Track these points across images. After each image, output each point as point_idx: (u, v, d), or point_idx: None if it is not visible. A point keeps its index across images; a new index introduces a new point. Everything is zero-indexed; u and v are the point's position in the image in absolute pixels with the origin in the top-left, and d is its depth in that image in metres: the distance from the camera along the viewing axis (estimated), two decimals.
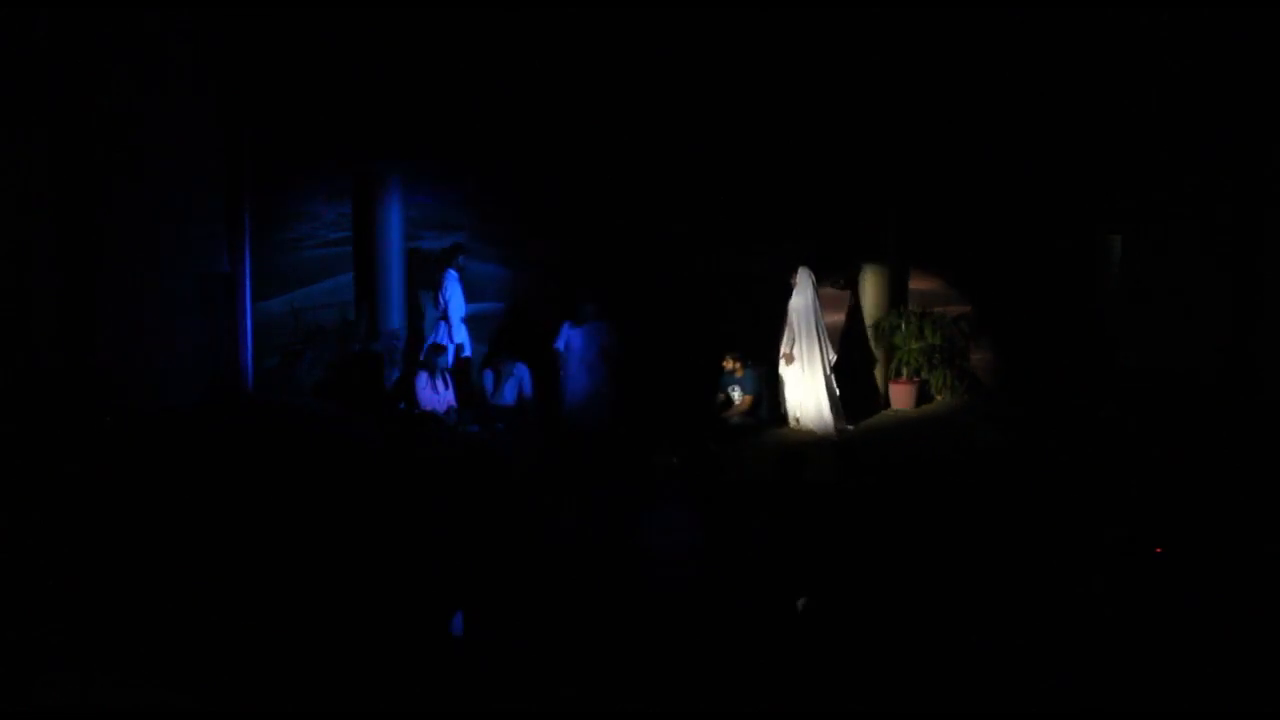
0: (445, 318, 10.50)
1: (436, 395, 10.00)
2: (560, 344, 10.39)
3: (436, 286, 10.57)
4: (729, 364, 10.38)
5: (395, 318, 10.68)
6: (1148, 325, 10.15)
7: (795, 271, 10.45)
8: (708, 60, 10.42)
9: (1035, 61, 9.99)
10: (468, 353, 10.65)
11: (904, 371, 11.14)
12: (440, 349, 10.23)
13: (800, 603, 5.51)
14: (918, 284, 11.56)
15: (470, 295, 10.78)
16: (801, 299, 10.39)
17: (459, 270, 10.50)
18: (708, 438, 9.27)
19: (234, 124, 9.42)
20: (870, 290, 11.32)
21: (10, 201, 7.72)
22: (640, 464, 7.58)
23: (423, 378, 10.02)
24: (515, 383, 10.18)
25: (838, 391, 10.38)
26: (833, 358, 10.42)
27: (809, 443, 9.62)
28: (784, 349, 10.38)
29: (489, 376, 10.29)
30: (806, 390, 10.32)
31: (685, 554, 5.74)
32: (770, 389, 10.58)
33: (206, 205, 9.57)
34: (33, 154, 7.90)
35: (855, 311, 11.38)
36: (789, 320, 10.42)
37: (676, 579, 5.62)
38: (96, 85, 8.15)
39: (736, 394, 10.38)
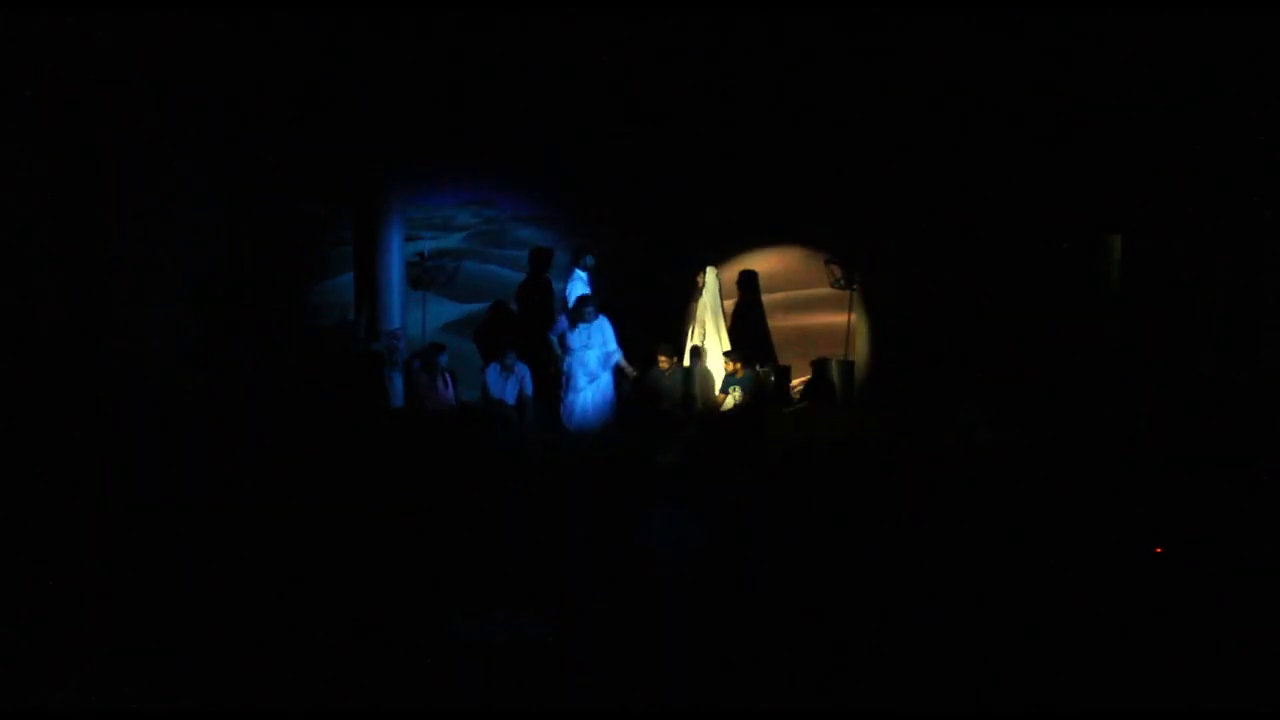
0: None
1: (437, 395, 9.98)
2: (554, 334, 10.41)
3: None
4: (729, 366, 10.43)
5: (395, 318, 10.68)
6: (1148, 325, 10.13)
7: (702, 271, 10.85)
8: (706, 61, 10.42)
9: (1034, 60, 9.99)
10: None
11: None
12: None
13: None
14: None
15: (471, 295, 10.80)
16: (710, 297, 10.85)
17: (585, 269, 10.59)
18: (705, 438, 9.29)
19: (235, 124, 9.45)
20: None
21: (11, 201, 7.74)
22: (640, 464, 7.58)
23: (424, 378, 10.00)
24: (516, 381, 10.17)
25: None
26: (726, 350, 10.79)
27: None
28: (689, 344, 10.76)
29: (493, 373, 10.23)
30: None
31: (685, 552, 5.74)
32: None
33: (207, 206, 9.60)
34: (33, 154, 7.92)
35: (752, 307, 11.50)
36: (695, 317, 10.83)
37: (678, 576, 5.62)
38: (97, 84, 8.17)
39: (737, 395, 10.41)
